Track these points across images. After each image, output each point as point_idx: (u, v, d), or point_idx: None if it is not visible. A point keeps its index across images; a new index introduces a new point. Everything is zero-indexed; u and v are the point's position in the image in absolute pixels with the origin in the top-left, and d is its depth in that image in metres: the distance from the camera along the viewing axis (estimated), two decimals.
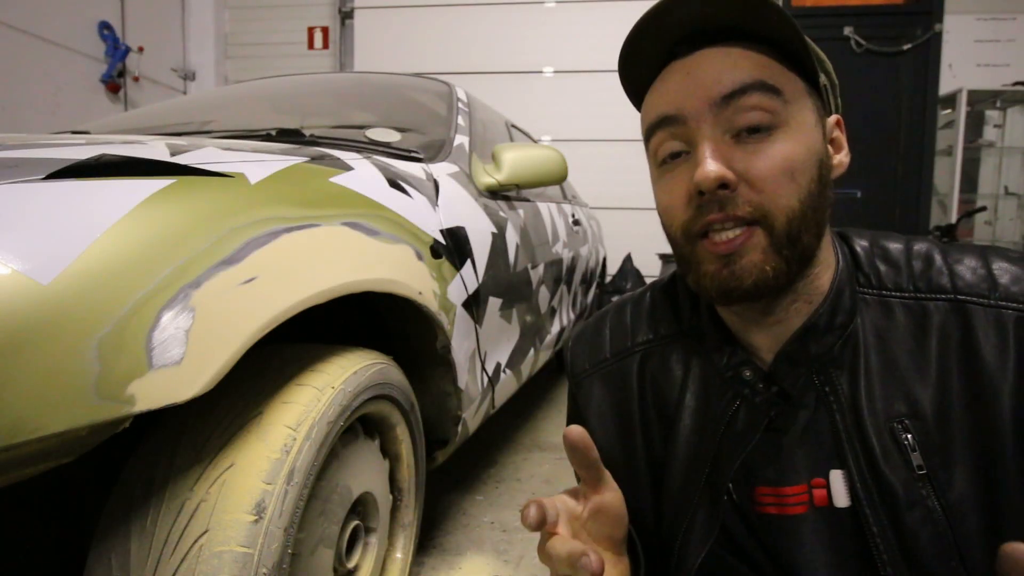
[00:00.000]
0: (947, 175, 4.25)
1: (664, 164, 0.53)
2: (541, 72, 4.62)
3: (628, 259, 4.14)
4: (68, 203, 0.53)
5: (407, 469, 1.06)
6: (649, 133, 0.54)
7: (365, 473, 0.90)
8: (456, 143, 1.50)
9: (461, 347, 1.16)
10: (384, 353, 0.95)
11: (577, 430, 0.47)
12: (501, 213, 1.47)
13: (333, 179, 0.89)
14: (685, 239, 0.52)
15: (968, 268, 0.53)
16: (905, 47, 3.78)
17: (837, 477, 0.52)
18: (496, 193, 1.50)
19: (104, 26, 3.97)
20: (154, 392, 0.53)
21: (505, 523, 1.52)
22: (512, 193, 1.61)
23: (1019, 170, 4.48)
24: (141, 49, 4.22)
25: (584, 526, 0.50)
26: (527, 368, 1.74)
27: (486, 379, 1.35)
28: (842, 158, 0.54)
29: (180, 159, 0.68)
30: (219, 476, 0.64)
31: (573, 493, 0.51)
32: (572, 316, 2.36)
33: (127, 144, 0.70)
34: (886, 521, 0.50)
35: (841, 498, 0.52)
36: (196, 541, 0.61)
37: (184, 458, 0.66)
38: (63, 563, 0.81)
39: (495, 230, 1.39)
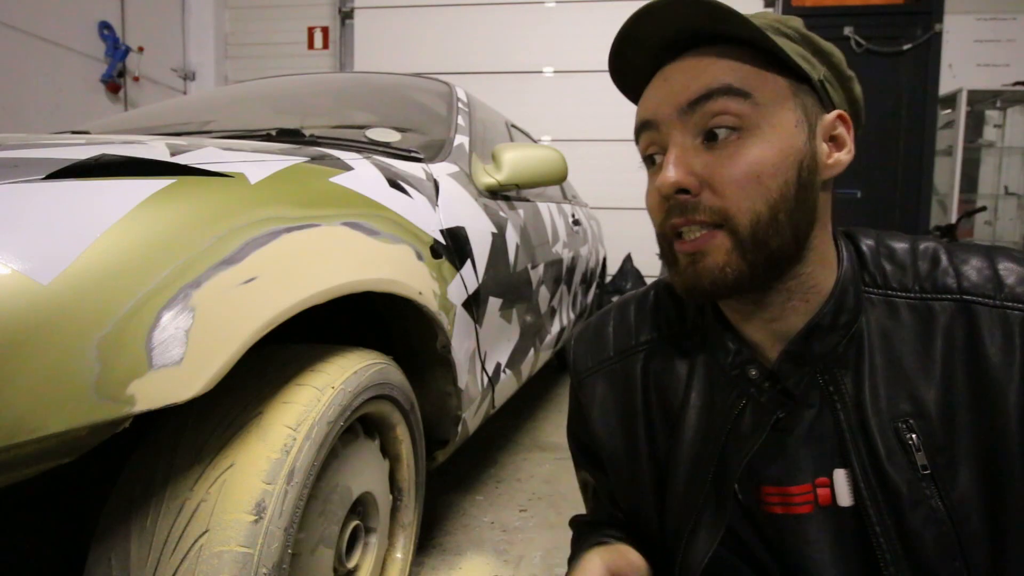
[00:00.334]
0: (947, 175, 4.25)
1: (648, 167, 0.56)
2: (541, 72, 4.62)
3: (628, 259, 4.15)
4: (68, 203, 0.53)
5: (407, 469, 1.06)
6: (636, 136, 0.56)
7: (365, 473, 0.90)
8: (456, 143, 1.50)
9: (461, 347, 1.16)
10: (384, 353, 0.95)
11: None
12: (501, 213, 1.47)
13: (333, 179, 0.89)
14: (662, 239, 0.54)
15: (974, 268, 0.53)
16: (905, 47, 3.78)
17: (841, 476, 0.53)
18: (496, 193, 1.50)
19: (104, 26, 3.96)
20: (154, 392, 0.53)
21: (505, 523, 1.52)
22: (512, 193, 1.61)
23: (1019, 170, 4.48)
24: (141, 49, 4.22)
25: None
26: (527, 368, 1.74)
27: (486, 379, 1.35)
28: (841, 156, 0.53)
29: (180, 159, 0.68)
30: (219, 476, 0.64)
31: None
32: (572, 316, 2.36)
33: (127, 144, 0.70)
34: (889, 520, 0.50)
35: (845, 497, 0.52)
36: (196, 541, 0.61)
37: (184, 458, 0.66)
38: (63, 563, 0.81)
39: (495, 230, 1.39)
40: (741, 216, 0.48)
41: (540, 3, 4.61)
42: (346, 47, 4.97)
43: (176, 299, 0.56)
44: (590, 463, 0.71)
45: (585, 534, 0.69)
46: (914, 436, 0.50)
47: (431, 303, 1.02)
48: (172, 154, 0.69)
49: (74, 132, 1.37)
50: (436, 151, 1.41)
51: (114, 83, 4.03)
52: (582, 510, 0.79)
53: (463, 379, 1.19)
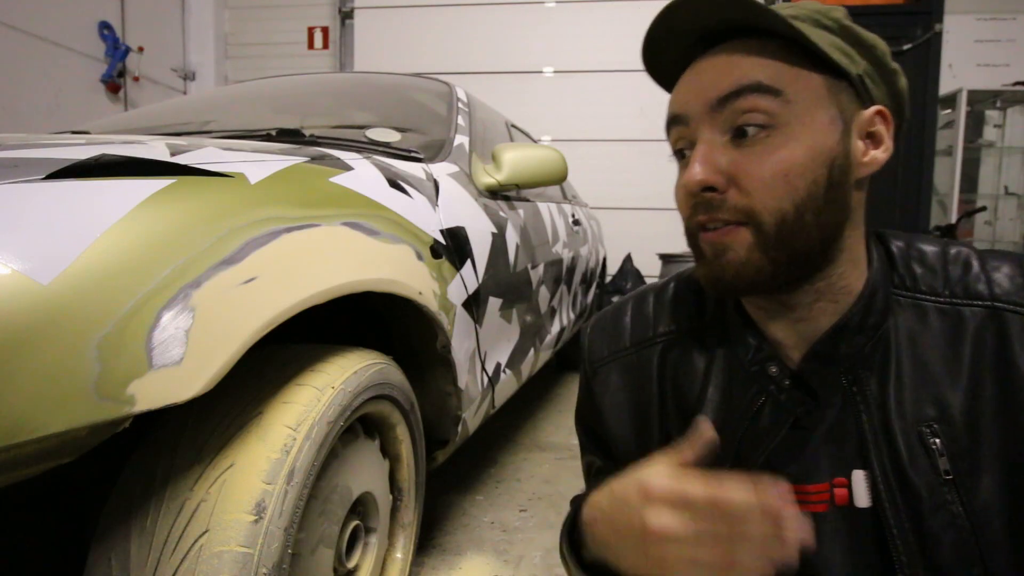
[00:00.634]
0: (947, 175, 4.24)
1: (678, 160, 0.55)
2: (541, 72, 4.62)
3: (628, 259, 4.14)
4: (68, 203, 0.53)
5: (407, 469, 1.06)
6: (667, 129, 0.55)
7: (365, 473, 0.90)
8: (456, 143, 1.50)
9: (461, 347, 1.16)
10: (384, 353, 0.95)
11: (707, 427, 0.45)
12: (501, 213, 1.47)
13: (333, 179, 0.89)
14: (689, 233, 0.54)
15: (1006, 276, 0.52)
16: (905, 47, 3.78)
17: (860, 477, 0.52)
18: (496, 193, 1.50)
19: (104, 26, 3.96)
20: (154, 392, 0.53)
21: (505, 523, 1.52)
22: (512, 193, 1.61)
23: (1019, 170, 4.48)
24: (141, 49, 4.22)
25: None
26: (527, 368, 1.74)
27: (486, 379, 1.35)
28: (877, 154, 0.51)
29: (180, 159, 0.68)
30: (219, 476, 0.64)
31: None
32: (572, 316, 2.36)
33: (127, 144, 0.70)
34: (908, 524, 0.49)
35: (863, 498, 0.52)
36: (196, 541, 0.61)
37: (184, 458, 0.66)
38: (63, 563, 0.81)
39: (495, 230, 1.39)
40: (766, 215, 0.48)
41: (540, 3, 4.61)
42: (346, 47, 4.97)
43: (176, 299, 0.56)
44: (599, 449, 0.70)
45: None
46: (937, 441, 0.49)
47: (431, 303, 1.02)
48: (172, 154, 0.69)
49: (74, 132, 1.37)
50: (436, 151, 1.41)
51: (114, 83, 4.03)
52: None
53: (463, 379, 1.19)
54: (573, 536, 0.59)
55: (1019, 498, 0.48)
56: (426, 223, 1.07)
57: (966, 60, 4.36)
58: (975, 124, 4.40)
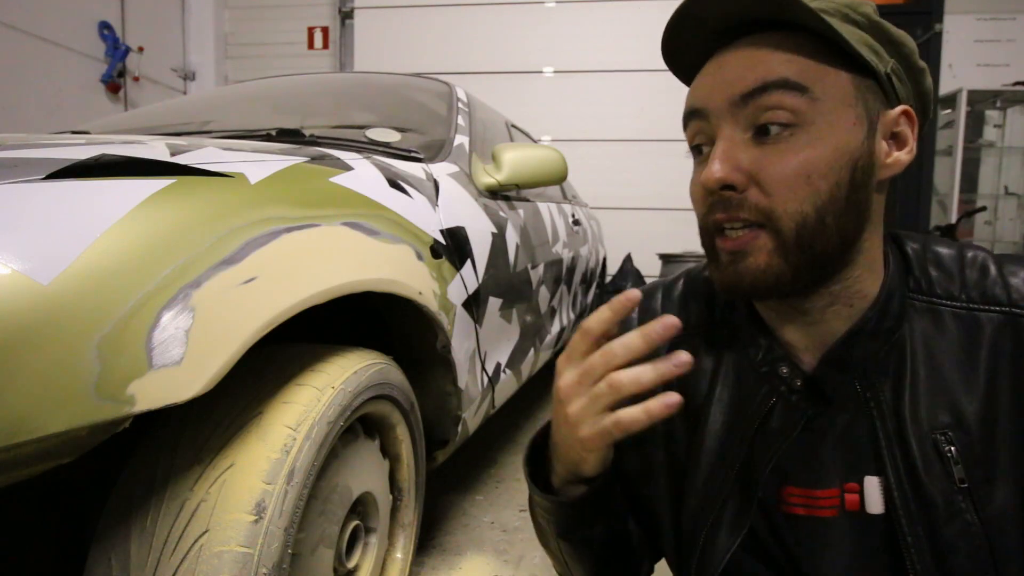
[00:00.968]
0: (947, 175, 4.25)
1: (695, 156, 0.54)
2: (541, 72, 4.62)
3: (628, 259, 4.15)
4: (68, 203, 0.53)
5: (407, 469, 1.06)
6: (684, 123, 0.53)
7: (365, 473, 0.90)
8: (456, 143, 1.50)
9: (461, 347, 1.16)
10: (384, 353, 0.95)
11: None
12: (501, 213, 1.47)
13: (333, 179, 0.89)
14: (704, 232, 0.52)
15: None
16: None
17: (873, 484, 0.51)
18: (496, 193, 1.50)
19: (104, 26, 3.96)
20: (154, 392, 0.53)
21: (505, 523, 1.52)
22: (512, 193, 1.61)
23: (1019, 170, 4.48)
24: (141, 49, 4.22)
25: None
26: (527, 368, 1.74)
27: (486, 379, 1.35)
28: (901, 156, 0.50)
29: (180, 159, 0.68)
30: (219, 476, 0.64)
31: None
32: (572, 316, 2.36)
33: (127, 144, 0.70)
34: (922, 532, 0.49)
35: (875, 505, 0.51)
36: (196, 541, 0.61)
37: (184, 458, 0.66)
38: (63, 563, 0.81)
39: (495, 230, 1.39)
40: (786, 218, 0.47)
41: (540, 3, 4.61)
42: (346, 47, 4.98)
43: (176, 299, 0.56)
44: None
45: None
46: (953, 448, 0.49)
47: (431, 303, 1.02)
48: (172, 154, 0.69)
49: (74, 132, 1.37)
50: (436, 151, 1.41)
51: (114, 83, 4.03)
52: None
53: (463, 379, 1.19)
54: (535, 456, 0.61)
55: None
56: (426, 223, 1.08)
57: (966, 60, 4.36)
58: (975, 124, 4.40)
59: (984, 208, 4.30)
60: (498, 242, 1.39)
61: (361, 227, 0.87)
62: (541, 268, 1.75)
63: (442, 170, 1.30)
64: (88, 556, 0.63)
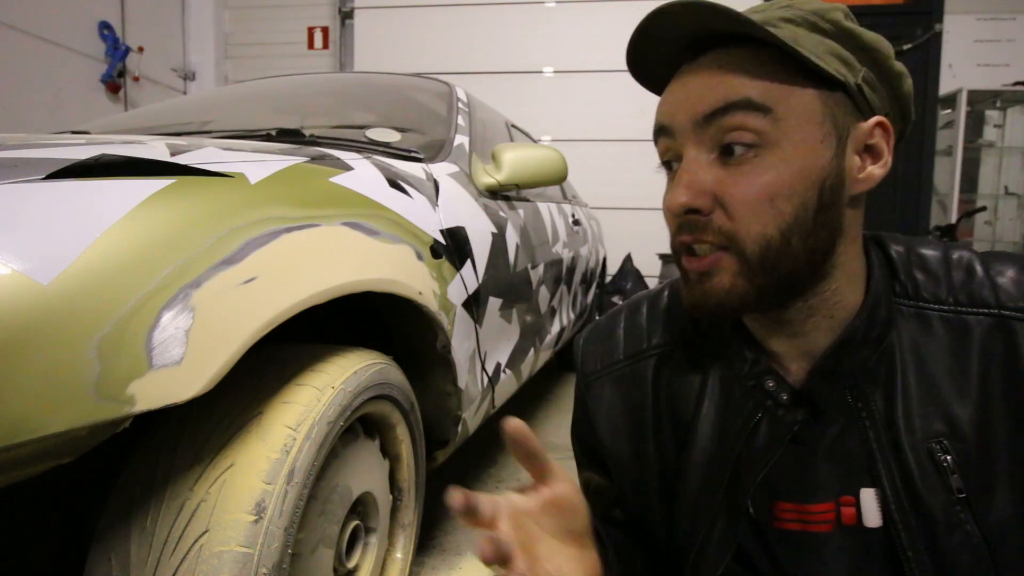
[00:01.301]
0: (947, 175, 4.25)
1: (667, 171, 0.53)
2: (541, 72, 4.62)
3: (628, 259, 4.15)
4: (68, 203, 0.53)
5: (407, 469, 1.06)
6: (654, 138, 0.53)
7: (365, 473, 0.90)
8: (456, 143, 1.50)
9: (461, 347, 1.16)
10: (384, 353, 0.95)
11: (514, 422, 0.44)
12: (501, 213, 1.47)
13: (333, 179, 0.89)
14: (674, 251, 0.52)
15: (1011, 280, 0.50)
16: (905, 47, 3.78)
17: (869, 496, 0.50)
18: (496, 193, 1.50)
19: (104, 26, 3.96)
20: (154, 392, 0.53)
21: None
22: (512, 193, 1.61)
23: (1019, 170, 4.48)
24: (141, 49, 4.22)
25: (538, 522, 0.47)
26: (527, 368, 1.74)
27: (486, 379, 1.35)
28: (874, 170, 0.49)
29: (180, 159, 0.68)
30: (219, 476, 0.64)
31: (521, 490, 0.48)
32: (572, 316, 2.36)
33: (127, 144, 0.70)
34: (922, 545, 0.48)
35: (872, 518, 0.50)
36: (196, 541, 0.61)
37: (184, 458, 0.66)
38: (63, 563, 0.81)
39: (495, 230, 1.39)
40: (750, 241, 0.46)
41: (540, 3, 4.61)
42: (346, 47, 4.97)
43: (176, 299, 0.56)
44: (596, 465, 0.68)
45: None
46: (948, 458, 0.48)
47: (431, 303, 1.02)
48: (172, 154, 0.69)
49: (74, 132, 1.37)
50: (436, 151, 1.41)
51: (114, 83, 4.03)
52: None
53: (463, 379, 1.19)
54: None
55: None
56: (426, 223, 1.08)
57: (966, 60, 4.35)
58: (975, 124, 4.40)
59: (984, 208, 4.30)
60: (498, 242, 1.39)
61: (361, 227, 0.87)
62: (541, 268, 1.75)
63: (442, 170, 1.30)
64: (88, 556, 0.63)
